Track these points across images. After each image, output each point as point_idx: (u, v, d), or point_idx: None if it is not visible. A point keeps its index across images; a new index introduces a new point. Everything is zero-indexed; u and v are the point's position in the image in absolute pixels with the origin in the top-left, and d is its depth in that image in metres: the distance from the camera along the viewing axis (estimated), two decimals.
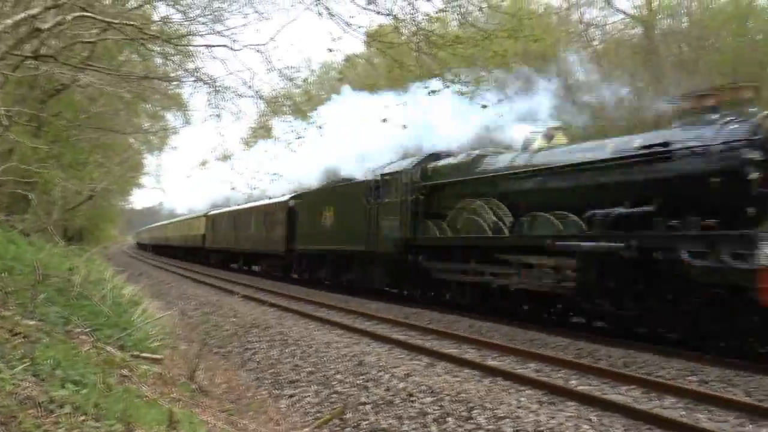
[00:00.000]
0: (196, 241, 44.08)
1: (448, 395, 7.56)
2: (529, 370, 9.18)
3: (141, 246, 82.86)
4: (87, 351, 6.20)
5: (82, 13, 9.48)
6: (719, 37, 22.84)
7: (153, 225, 76.71)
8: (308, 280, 24.94)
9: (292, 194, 27.07)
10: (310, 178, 28.32)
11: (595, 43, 28.85)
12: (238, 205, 36.10)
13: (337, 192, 22.04)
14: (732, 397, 7.43)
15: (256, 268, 33.78)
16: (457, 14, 7.69)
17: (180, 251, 51.38)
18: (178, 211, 64.82)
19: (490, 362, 9.59)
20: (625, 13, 27.67)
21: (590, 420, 6.77)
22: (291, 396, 8.78)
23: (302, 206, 25.04)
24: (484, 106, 8.36)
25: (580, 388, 8.05)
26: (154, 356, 7.58)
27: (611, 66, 25.26)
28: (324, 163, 25.96)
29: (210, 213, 41.51)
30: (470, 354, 10.26)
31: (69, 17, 9.07)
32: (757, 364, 8.94)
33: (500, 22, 7.64)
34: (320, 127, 10.84)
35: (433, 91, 8.13)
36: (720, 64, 21.94)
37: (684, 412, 7.04)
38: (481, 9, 7.71)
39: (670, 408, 7.23)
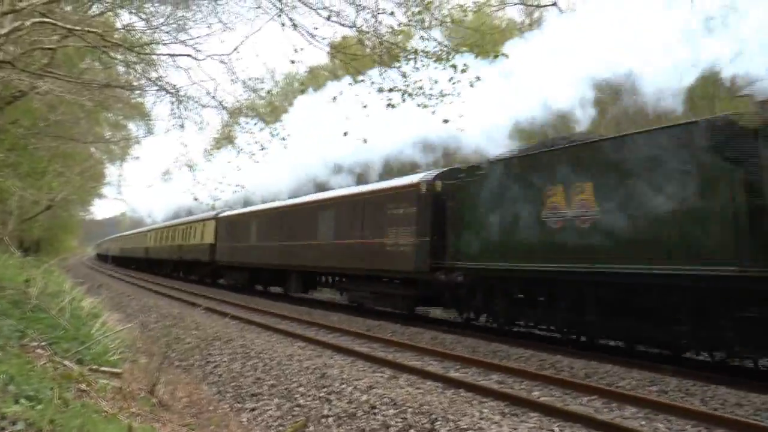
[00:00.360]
0: (198, 253, 33.11)
1: (410, 407, 7.56)
2: (491, 381, 9.24)
3: (102, 258, 77.10)
4: (43, 365, 6.06)
5: (41, 19, 9.32)
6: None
7: (124, 234, 65.19)
8: (494, 329, 13.72)
9: (437, 170, 16.15)
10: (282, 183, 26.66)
11: None
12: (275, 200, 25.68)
13: (611, 150, 10.55)
14: (689, 406, 7.58)
15: (323, 294, 23.29)
16: (420, 29, 7.77)
17: (167, 266, 41.05)
18: (147, 221, 59.67)
19: (453, 374, 9.62)
20: None
21: (552, 431, 6.85)
22: (253, 409, 8.69)
23: (466, 189, 13.87)
24: (446, 121, 8.39)
25: (542, 399, 8.13)
26: (114, 370, 7.44)
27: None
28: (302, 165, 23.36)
29: (222, 214, 30.44)
30: (433, 366, 10.28)
31: (28, 23, 8.92)
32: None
33: (463, 37, 7.71)
34: (284, 139, 10.80)
35: (392, 105, 8.15)
36: None
37: (644, 422, 7.17)
38: (442, 23, 7.78)
39: (631, 418, 7.36)
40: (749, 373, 9.49)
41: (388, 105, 8.19)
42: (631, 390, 8.47)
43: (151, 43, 11.65)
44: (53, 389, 5.05)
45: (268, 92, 12.14)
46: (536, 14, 29.45)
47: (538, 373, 9.41)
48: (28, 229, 32.78)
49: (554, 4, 27.50)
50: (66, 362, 6.57)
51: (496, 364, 10.10)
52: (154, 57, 11.49)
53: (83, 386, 6.04)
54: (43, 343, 6.88)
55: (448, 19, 7.82)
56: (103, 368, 7.20)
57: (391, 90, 7.99)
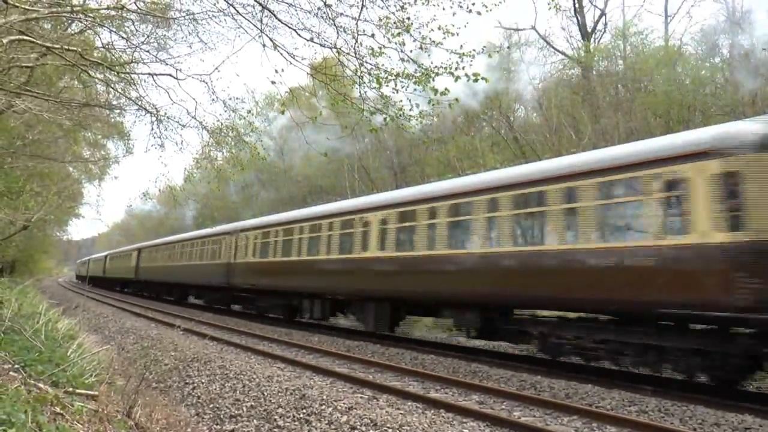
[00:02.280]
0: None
1: (390, 428, 7.50)
2: (472, 401, 9.21)
3: (83, 279, 74.23)
4: (16, 388, 5.93)
5: (19, 37, 9.27)
6: (652, 80, 23.75)
7: (134, 246, 48.93)
8: None
9: None
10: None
11: (536, 81, 29.68)
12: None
13: None
14: (669, 426, 7.60)
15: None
16: (399, 51, 7.84)
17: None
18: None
19: (433, 394, 9.58)
20: (564, 53, 28.61)
21: None
22: (232, 431, 8.57)
23: None
24: (425, 142, 8.50)
25: (523, 419, 8.11)
26: (90, 392, 7.30)
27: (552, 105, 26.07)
28: None
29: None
30: (413, 386, 10.23)
31: (5, 40, 8.85)
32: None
33: (442, 63, 7.80)
34: (264, 159, 10.80)
35: (373, 130, 8.23)
36: (653, 105, 22.78)
37: None
38: (422, 47, 7.86)
39: None
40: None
41: (371, 130, 8.24)
42: (611, 410, 8.48)
43: (132, 62, 11.63)
44: (27, 412, 4.95)
45: (248, 112, 12.12)
46: (514, 38, 29.85)
47: (519, 394, 9.40)
48: (3, 250, 32.27)
49: (533, 28, 27.93)
50: (40, 385, 6.44)
51: (476, 385, 10.08)
52: (134, 76, 11.46)
53: (58, 409, 5.91)
54: (17, 366, 6.75)
55: (427, 40, 7.87)
56: (78, 390, 7.06)
57: (372, 113, 8.03)
